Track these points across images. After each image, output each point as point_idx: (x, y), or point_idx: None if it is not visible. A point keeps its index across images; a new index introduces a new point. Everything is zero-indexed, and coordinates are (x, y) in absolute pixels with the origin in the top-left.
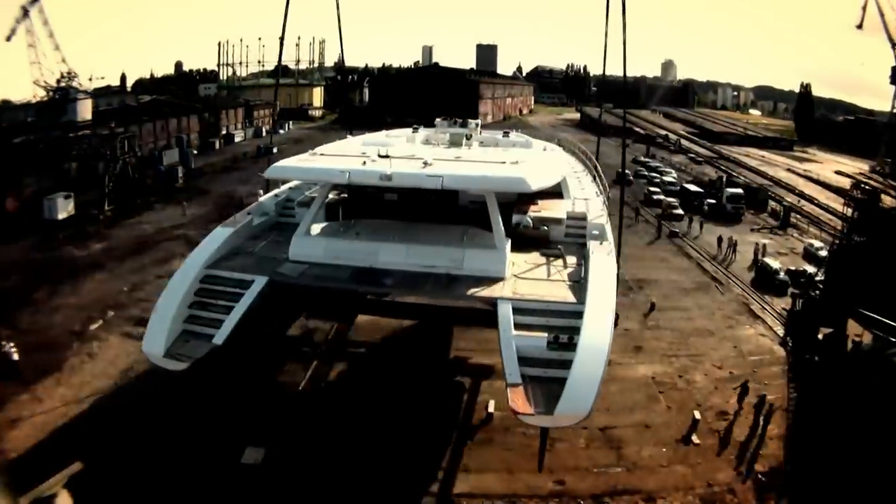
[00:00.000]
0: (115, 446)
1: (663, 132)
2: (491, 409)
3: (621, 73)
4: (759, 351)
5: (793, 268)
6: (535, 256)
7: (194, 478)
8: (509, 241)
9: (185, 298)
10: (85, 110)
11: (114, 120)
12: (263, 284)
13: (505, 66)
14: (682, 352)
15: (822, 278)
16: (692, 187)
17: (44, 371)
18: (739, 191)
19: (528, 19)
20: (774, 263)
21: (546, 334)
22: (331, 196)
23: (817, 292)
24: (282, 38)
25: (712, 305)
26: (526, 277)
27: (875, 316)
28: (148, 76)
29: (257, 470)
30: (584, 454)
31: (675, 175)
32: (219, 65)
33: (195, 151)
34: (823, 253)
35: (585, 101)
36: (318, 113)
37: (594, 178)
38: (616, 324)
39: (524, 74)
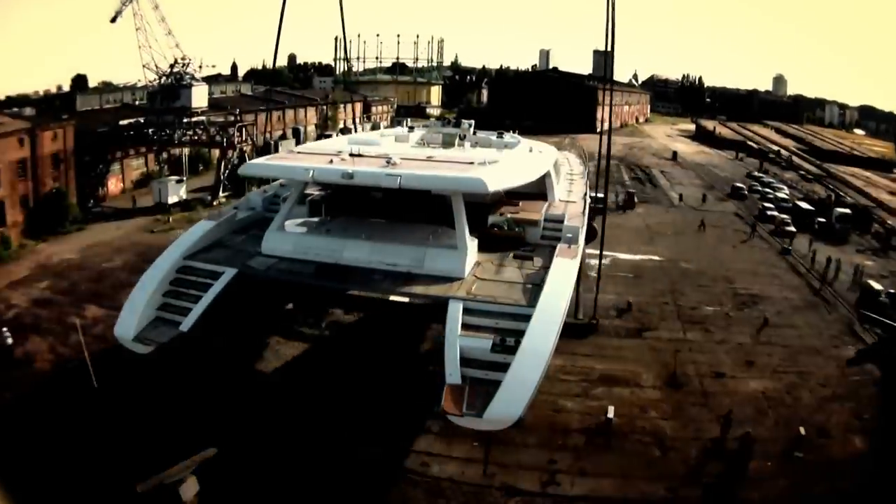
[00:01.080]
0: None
1: (776, 148)
2: (610, 414)
3: (735, 86)
4: (860, 371)
5: (893, 290)
6: (504, 257)
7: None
8: (475, 241)
9: (160, 287)
10: (200, 97)
11: (228, 107)
12: (232, 276)
13: (620, 74)
14: (790, 368)
15: None
16: (804, 205)
17: None
18: (848, 211)
19: (644, 28)
20: (877, 285)
21: (492, 336)
22: (318, 193)
23: None
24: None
25: (820, 324)
26: (486, 278)
27: (875, 316)
28: (260, 66)
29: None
30: (696, 463)
31: (787, 192)
32: (335, 59)
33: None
34: None
35: (700, 113)
36: (436, 112)
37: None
38: (630, 307)
39: (639, 83)
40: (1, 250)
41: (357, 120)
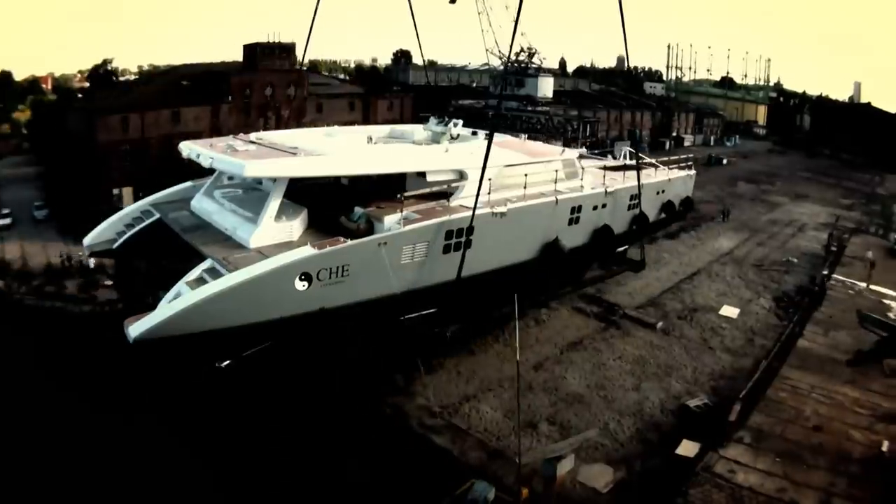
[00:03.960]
0: None
1: None
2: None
3: None
4: None
5: None
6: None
7: None
8: (289, 221)
9: (124, 219)
10: (546, 87)
11: (568, 101)
12: (154, 219)
13: None
14: None
15: None
16: None
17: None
18: None
19: None
20: None
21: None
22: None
23: None
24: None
25: None
26: (262, 248)
27: (875, 316)
28: (588, 65)
29: None
30: None
31: None
32: (667, 66)
33: (646, 147)
34: None
35: None
36: (761, 131)
37: None
38: None
39: None
40: None
41: (689, 130)
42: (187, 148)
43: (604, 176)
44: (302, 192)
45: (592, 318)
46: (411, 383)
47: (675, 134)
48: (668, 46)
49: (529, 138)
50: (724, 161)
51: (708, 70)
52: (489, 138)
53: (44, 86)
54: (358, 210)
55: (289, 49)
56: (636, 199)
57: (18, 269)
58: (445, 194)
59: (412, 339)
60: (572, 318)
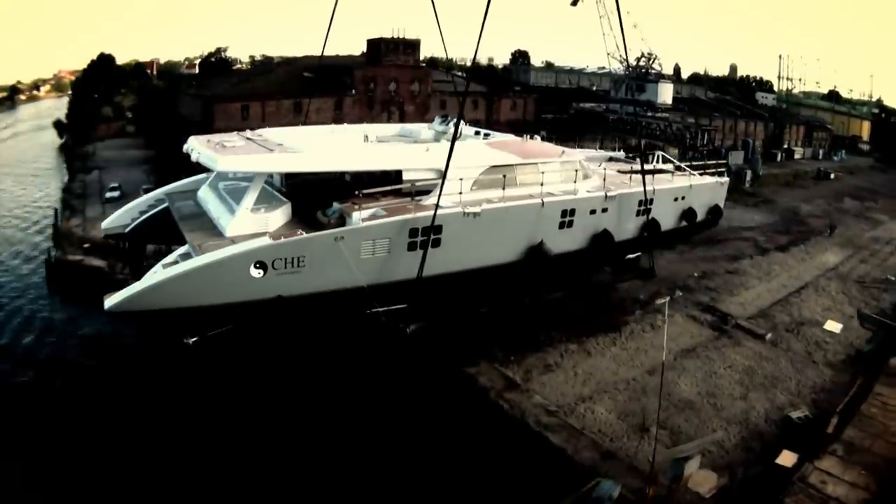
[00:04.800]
0: None
1: None
2: None
3: None
4: None
5: None
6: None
7: None
8: (267, 213)
9: (140, 206)
10: (666, 94)
11: (685, 108)
12: (164, 207)
13: None
14: None
15: None
16: None
17: (600, 327)
18: None
19: None
20: None
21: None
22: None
23: None
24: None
25: None
26: (237, 238)
27: (875, 316)
28: (702, 72)
29: None
30: None
31: None
32: (779, 77)
33: (759, 159)
34: None
35: None
36: (865, 147)
37: None
38: None
39: None
40: None
41: (799, 142)
42: (189, 142)
43: (603, 179)
44: (305, 187)
45: (706, 327)
46: (529, 381)
47: (785, 146)
48: (780, 57)
49: (648, 145)
50: (832, 176)
51: (817, 83)
52: (452, 139)
53: (148, 71)
54: (335, 206)
55: (413, 45)
56: (648, 205)
57: None
58: (426, 192)
59: (377, 332)
60: (687, 326)
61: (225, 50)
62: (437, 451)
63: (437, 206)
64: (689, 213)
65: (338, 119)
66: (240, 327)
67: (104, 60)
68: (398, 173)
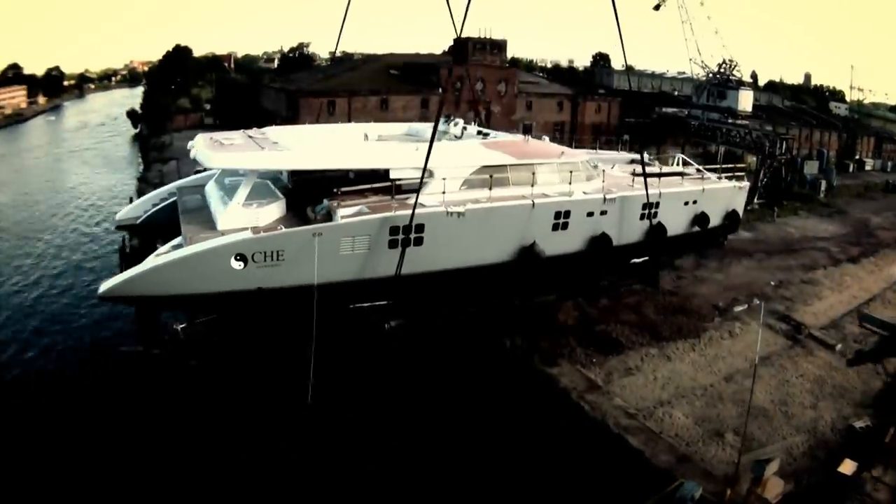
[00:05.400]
0: None
1: None
2: None
3: None
4: None
5: None
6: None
7: None
8: (258, 208)
9: (155, 199)
10: (746, 101)
11: (763, 116)
12: (173, 200)
13: None
14: None
15: None
16: None
17: (680, 332)
18: None
19: None
20: None
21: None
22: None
23: None
24: None
25: None
26: (225, 231)
27: (875, 316)
28: (777, 79)
29: None
30: None
31: None
32: (850, 87)
33: (833, 170)
34: None
35: None
36: None
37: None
38: None
39: None
40: None
41: (870, 154)
42: (195, 139)
43: (602, 181)
44: (310, 184)
45: (781, 336)
46: (610, 383)
47: (857, 157)
48: (851, 67)
49: (727, 152)
50: None
51: (886, 94)
52: (430, 140)
53: (225, 64)
54: (324, 202)
55: (500, 45)
56: (652, 209)
57: None
58: (414, 191)
59: (358, 327)
60: (763, 334)
61: (307, 45)
62: (519, 449)
63: (415, 204)
64: (701, 219)
65: (423, 118)
66: (224, 316)
67: (180, 52)
68: (387, 172)
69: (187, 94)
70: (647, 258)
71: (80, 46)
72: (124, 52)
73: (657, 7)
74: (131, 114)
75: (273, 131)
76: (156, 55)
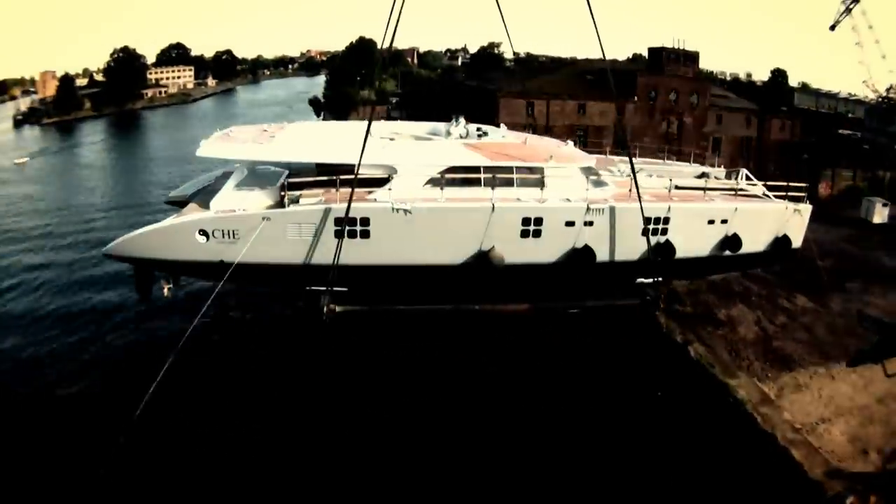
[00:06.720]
0: None
1: None
2: None
3: None
4: None
5: None
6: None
7: None
8: (245, 195)
9: (205, 179)
10: None
11: None
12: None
13: None
14: None
15: None
16: None
17: (846, 354)
18: None
19: None
20: None
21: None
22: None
23: None
24: None
25: None
26: (215, 216)
27: (875, 316)
28: None
29: None
30: None
31: None
32: None
33: None
34: None
35: None
36: None
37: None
38: None
39: None
40: None
41: None
42: (213, 134)
43: (594, 188)
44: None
45: None
46: (781, 398)
47: None
48: None
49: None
50: None
51: None
52: (365, 136)
53: (408, 59)
54: (296, 195)
55: (693, 57)
56: (658, 224)
57: None
58: (379, 185)
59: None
60: None
61: (498, 45)
62: (689, 451)
63: (350, 198)
64: (731, 242)
65: (619, 124)
66: (195, 279)
67: (364, 44)
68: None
69: (371, 85)
70: (657, 279)
71: (251, 36)
72: (301, 41)
73: (833, 27)
74: (313, 102)
75: (292, 127)
76: (333, 46)
